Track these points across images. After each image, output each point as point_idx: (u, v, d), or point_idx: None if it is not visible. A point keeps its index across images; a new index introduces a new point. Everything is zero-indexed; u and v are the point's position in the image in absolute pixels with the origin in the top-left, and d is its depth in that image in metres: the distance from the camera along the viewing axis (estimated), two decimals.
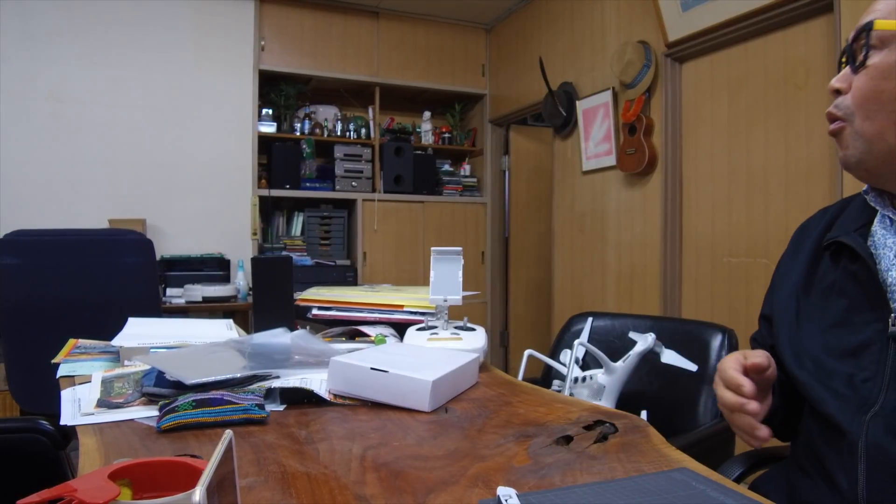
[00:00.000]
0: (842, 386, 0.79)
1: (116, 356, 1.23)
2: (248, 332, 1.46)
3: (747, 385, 0.79)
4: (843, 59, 0.82)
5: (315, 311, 1.48)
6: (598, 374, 1.49)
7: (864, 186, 0.86)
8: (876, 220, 0.84)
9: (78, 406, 0.94)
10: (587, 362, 1.65)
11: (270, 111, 4.11)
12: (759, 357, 0.81)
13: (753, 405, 0.79)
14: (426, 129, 4.65)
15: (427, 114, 4.67)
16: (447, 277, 1.32)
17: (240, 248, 3.87)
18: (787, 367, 0.87)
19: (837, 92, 0.82)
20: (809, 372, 0.84)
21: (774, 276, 0.99)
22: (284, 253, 4.08)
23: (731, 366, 0.82)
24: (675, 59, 2.96)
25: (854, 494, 0.75)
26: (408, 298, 1.45)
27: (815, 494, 0.82)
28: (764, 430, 0.79)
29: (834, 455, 0.79)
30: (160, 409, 0.87)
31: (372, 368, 0.97)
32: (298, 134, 4.20)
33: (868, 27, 0.76)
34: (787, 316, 0.90)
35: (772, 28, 2.49)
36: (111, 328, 1.34)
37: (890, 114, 0.75)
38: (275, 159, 4.02)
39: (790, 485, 0.88)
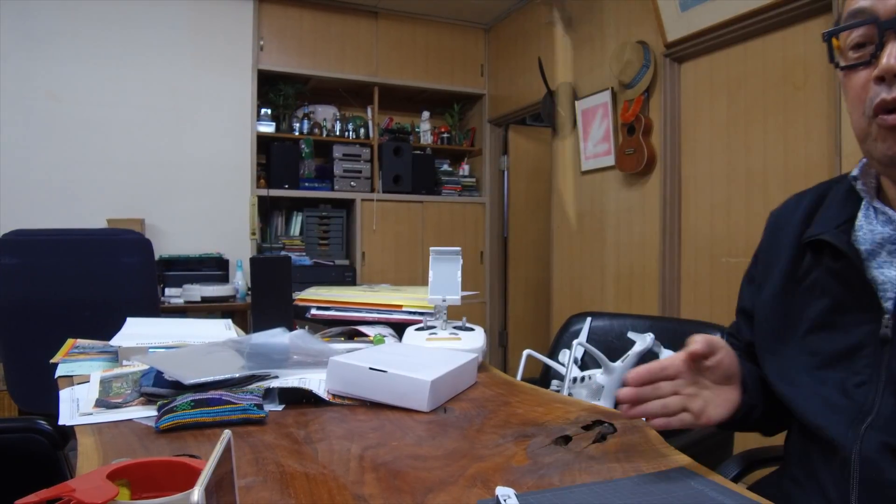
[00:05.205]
0: (835, 393, 0.74)
1: (115, 356, 1.23)
2: (246, 331, 1.45)
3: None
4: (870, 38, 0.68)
5: (314, 311, 1.47)
6: (597, 374, 1.49)
7: (854, 172, 0.79)
8: (860, 214, 0.78)
9: (76, 406, 0.94)
10: (586, 362, 1.65)
11: (269, 111, 4.11)
12: (698, 344, 0.76)
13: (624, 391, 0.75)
14: (425, 128, 4.65)
15: (426, 114, 4.66)
16: (446, 277, 1.32)
17: (238, 248, 3.86)
18: (771, 380, 0.83)
19: (882, 79, 0.67)
20: (797, 382, 0.79)
21: (752, 269, 0.94)
22: (283, 253, 4.07)
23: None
24: (674, 59, 2.96)
25: None
26: (406, 298, 1.45)
27: None
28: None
29: (826, 469, 0.75)
30: (158, 409, 0.87)
31: (370, 368, 0.97)
32: (297, 134, 4.20)
33: None
34: (772, 322, 0.85)
35: (771, 28, 2.50)
36: (110, 328, 1.34)
37: None
38: (273, 159, 4.02)
39: (784, 493, 0.84)
